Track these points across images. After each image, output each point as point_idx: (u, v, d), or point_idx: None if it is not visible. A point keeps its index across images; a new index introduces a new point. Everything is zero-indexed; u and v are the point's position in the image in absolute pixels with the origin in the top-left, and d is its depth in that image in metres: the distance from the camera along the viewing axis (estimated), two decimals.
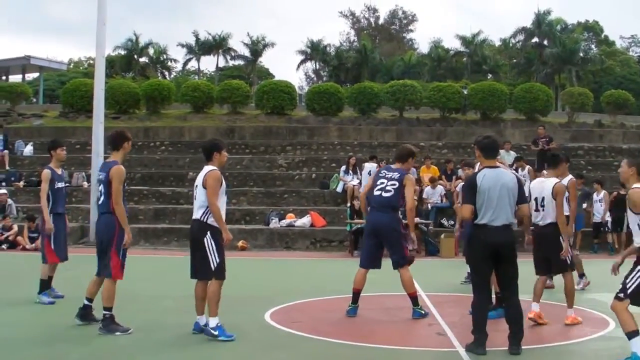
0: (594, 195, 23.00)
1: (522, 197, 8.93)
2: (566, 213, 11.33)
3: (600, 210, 22.86)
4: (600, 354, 8.97)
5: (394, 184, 10.75)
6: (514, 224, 9.06)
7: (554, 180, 10.88)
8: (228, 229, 9.43)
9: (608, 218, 22.89)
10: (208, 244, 9.22)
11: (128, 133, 10.33)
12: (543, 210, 10.74)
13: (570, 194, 11.71)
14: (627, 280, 8.32)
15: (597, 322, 10.81)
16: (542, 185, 10.95)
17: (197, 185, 9.42)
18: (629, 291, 8.24)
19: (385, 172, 11.08)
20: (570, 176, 12.28)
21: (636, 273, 8.29)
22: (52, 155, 12.31)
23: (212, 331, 9.13)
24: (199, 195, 9.34)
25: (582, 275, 14.57)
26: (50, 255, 11.97)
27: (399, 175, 10.84)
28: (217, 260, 9.20)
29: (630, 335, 7.98)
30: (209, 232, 9.25)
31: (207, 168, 9.44)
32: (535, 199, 10.81)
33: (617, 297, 8.35)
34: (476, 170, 9.88)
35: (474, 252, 8.91)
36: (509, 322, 8.71)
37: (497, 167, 8.91)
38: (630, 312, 8.14)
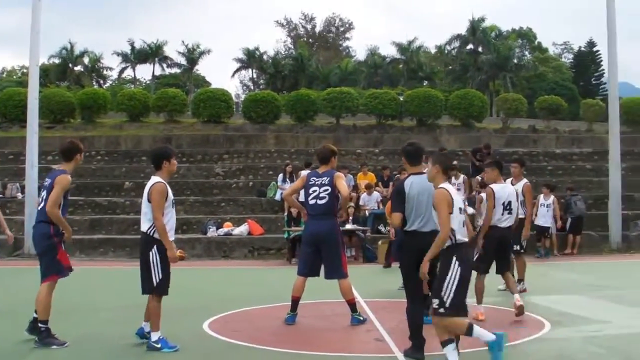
0: (541, 198, 23.19)
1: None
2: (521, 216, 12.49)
3: (545, 214, 23.06)
4: (534, 356, 9.09)
5: (327, 189, 10.80)
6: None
7: (514, 185, 11.46)
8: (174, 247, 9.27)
9: (549, 224, 23.12)
10: (153, 259, 9.07)
11: (81, 145, 10.16)
12: (509, 213, 11.46)
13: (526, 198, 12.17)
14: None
15: (532, 324, 10.98)
16: (506, 190, 11.64)
17: (144, 197, 9.22)
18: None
19: (314, 178, 11.06)
20: (524, 180, 12.69)
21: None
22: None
23: (155, 344, 9.05)
24: (145, 208, 9.18)
25: (520, 281, 14.77)
26: None
27: (328, 178, 10.87)
28: (160, 276, 9.07)
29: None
30: (155, 247, 9.09)
31: (153, 180, 9.24)
32: (503, 204, 11.41)
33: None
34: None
35: (405, 258, 8.89)
36: None
37: (423, 174, 8.78)
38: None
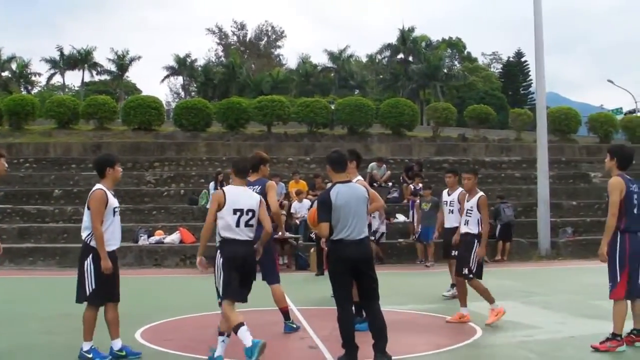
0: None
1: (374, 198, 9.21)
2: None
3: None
4: None
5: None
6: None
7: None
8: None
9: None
10: (87, 268, 8.87)
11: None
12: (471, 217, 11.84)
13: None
14: None
15: (465, 330, 11.10)
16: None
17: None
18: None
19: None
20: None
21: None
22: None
23: (86, 354, 8.89)
24: (84, 216, 9.03)
25: (453, 285, 14.93)
26: None
27: (260, 187, 10.76)
28: (93, 286, 8.87)
29: None
30: (91, 256, 8.90)
31: (95, 187, 9.08)
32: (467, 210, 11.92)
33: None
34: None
35: (333, 267, 8.82)
36: (372, 330, 8.67)
37: (348, 182, 8.88)
38: None
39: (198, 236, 24.15)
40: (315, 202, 9.35)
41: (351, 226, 8.54)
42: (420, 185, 25.84)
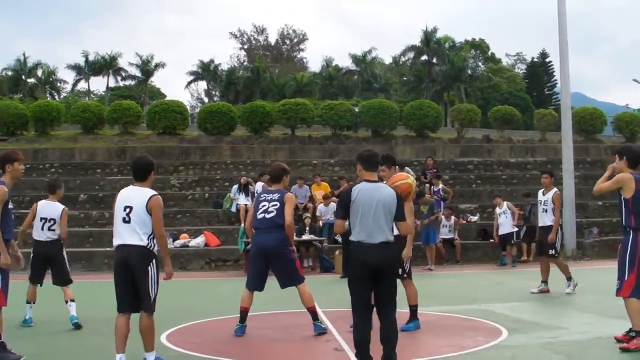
0: (497, 208, 23.50)
1: (398, 214, 8.30)
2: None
3: (505, 222, 23.28)
4: None
5: (276, 205, 10.83)
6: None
7: (545, 195, 14.51)
8: None
9: (515, 229, 23.35)
10: (152, 274, 8.68)
11: (16, 154, 9.89)
12: None
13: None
14: None
15: (489, 332, 11.03)
16: None
17: (129, 207, 8.63)
18: None
19: (265, 195, 11.19)
20: (554, 189, 13.45)
21: None
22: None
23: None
24: (142, 220, 8.64)
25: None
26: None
27: (279, 195, 10.94)
28: (156, 292, 8.76)
29: None
30: (154, 261, 8.72)
31: (146, 190, 8.83)
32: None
33: None
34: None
35: (351, 271, 8.44)
36: (382, 341, 8.09)
37: (376, 182, 8.40)
38: None
39: (223, 239, 24.32)
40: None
41: (371, 228, 8.05)
42: (442, 186, 25.76)
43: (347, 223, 8.34)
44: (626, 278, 9.37)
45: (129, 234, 8.56)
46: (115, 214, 8.74)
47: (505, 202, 23.62)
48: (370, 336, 8.10)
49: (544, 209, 15.96)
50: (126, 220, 8.58)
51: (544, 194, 16.05)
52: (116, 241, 8.68)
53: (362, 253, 8.06)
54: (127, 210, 8.59)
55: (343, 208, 8.30)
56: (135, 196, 8.70)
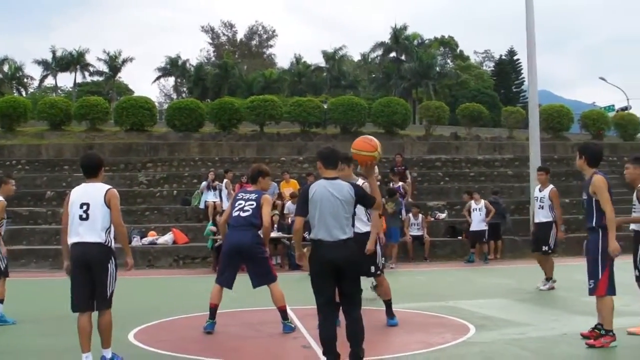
0: (472, 203, 23.60)
1: (366, 202, 8.43)
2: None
3: (478, 219, 23.40)
4: None
5: (252, 204, 10.87)
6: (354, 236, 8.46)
7: (542, 191, 14.41)
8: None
9: (486, 227, 23.45)
10: (111, 271, 8.68)
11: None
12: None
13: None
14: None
15: (457, 328, 11.08)
16: None
17: (86, 204, 8.60)
18: None
19: (243, 194, 11.22)
20: (551, 186, 13.62)
21: None
22: None
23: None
24: (106, 215, 8.68)
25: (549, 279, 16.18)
26: None
27: (256, 195, 10.99)
28: (113, 288, 8.76)
29: None
30: (112, 257, 8.75)
31: (100, 184, 8.86)
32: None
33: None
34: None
35: (313, 270, 8.25)
36: (349, 338, 8.07)
37: (335, 179, 8.25)
38: None
39: (191, 237, 24.27)
40: None
41: (330, 225, 8.04)
42: (401, 184, 25.78)
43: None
44: (600, 277, 9.43)
45: (87, 231, 8.53)
46: (70, 212, 8.67)
47: (482, 200, 23.74)
48: (336, 333, 8.10)
49: (540, 205, 16.19)
50: (83, 218, 8.55)
51: (540, 191, 16.24)
52: (72, 239, 8.62)
53: (322, 251, 8.07)
54: (85, 207, 8.57)
55: (302, 205, 8.31)
56: (91, 192, 8.69)
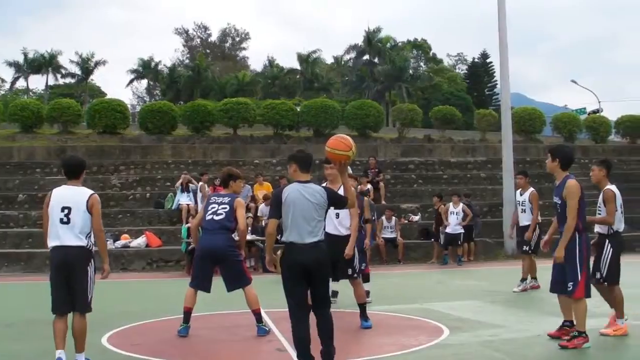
0: (450, 206, 23.63)
1: (339, 203, 8.72)
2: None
3: (454, 222, 23.43)
4: None
5: (225, 208, 10.87)
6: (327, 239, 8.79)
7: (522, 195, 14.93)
8: None
9: (462, 230, 23.49)
10: (90, 275, 8.67)
11: None
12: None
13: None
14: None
15: (431, 331, 11.13)
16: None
17: (67, 208, 8.61)
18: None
19: (216, 197, 11.24)
20: (531, 189, 13.84)
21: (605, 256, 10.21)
22: None
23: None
24: (84, 220, 8.64)
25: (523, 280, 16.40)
26: None
27: (229, 199, 11.01)
28: (92, 293, 8.75)
29: None
30: (92, 261, 8.71)
31: (82, 189, 8.85)
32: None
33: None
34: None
35: (284, 272, 8.37)
36: (321, 336, 8.23)
37: (308, 182, 8.42)
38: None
39: (165, 240, 24.21)
40: None
41: (302, 228, 8.18)
42: (369, 186, 25.79)
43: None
44: (579, 279, 9.53)
45: (68, 235, 8.53)
46: (50, 215, 8.68)
47: (461, 203, 23.80)
48: (309, 335, 8.19)
49: (522, 209, 16.41)
50: (64, 222, 8.55)
51: (521, 194, 16.43)
52: (52, 242, 8.64)
53: (294, 253, 8.20)
54: (66, 211, 8.57)
55: (274, 208, 8.43)
56: (73, 196, 8.69)
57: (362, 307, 11.56)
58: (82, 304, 8.58)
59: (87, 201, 8.61)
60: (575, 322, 9.74)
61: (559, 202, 9.73)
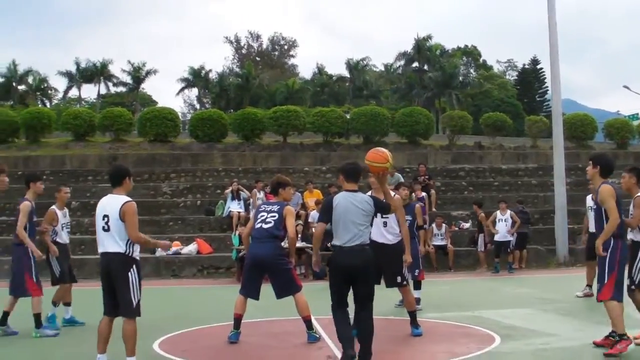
0: (498, 214, 23.43)
1: (384, 209, 9.44)
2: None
3: (503, 229, 23.23)
4: None
5: (274, 216, 10.89)
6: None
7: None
8: None
9: (512, 238, 23.29)
10: (132, 279, 8.76)
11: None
12: None
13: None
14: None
15: (482, 338, 11.04)
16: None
17: (107, 216, 8.83)
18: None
19: (265, 206, 11.28)
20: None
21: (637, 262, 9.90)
22: (29, 188, 12.48)
23: None
24: (120, 228, 8.77)
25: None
26: (35, 289, 12.03)
27: (278, 207, 11.03)
28: (139, 297, 8.83)
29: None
30: (134, 266, 8.83)
31: (120, 197, 8.97)
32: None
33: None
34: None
35: (331, 273, 9.10)
36: (359, 339, 8.83)
37: (356, 191, 9.08)
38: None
39: (215, 247, 24.33)
40: None
41: (351, 233, 8.81)
42: (424, 194, 25.44)
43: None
44: (606, 281, 9.55)
45: (109, 241, 8.79)
46: (96, 223, 8.99)
47: (509, 210, 23.58)
48: (351, 331, 8.87)
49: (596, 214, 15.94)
50: (105, 229, 8.81)
51: (592, 200, 16.04)
52: (99, 249, 8.95)
53: (343, 256, 8.85)
54: (106, 219, 8.83)
55: (325, 213, 9.14)
56: (110, 204, 8.90)
57: (412, 314, 11.54)
58: (125, 309, 8.75)
59: (120, 209, 8.76)
60: (614, 326, 9.66)
61: (594, 206, 9.97)
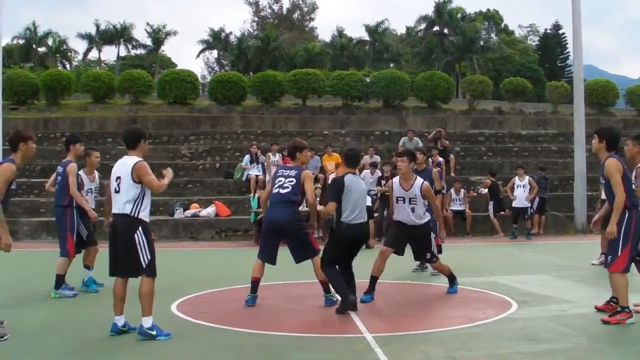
0: (516, 180, 23.37)
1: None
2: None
3: (522, 195, 23.16)
4: (501, 335, 9.10)
5: (292, 181, 10.86)
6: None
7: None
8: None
9: (529, 204, 23.24)
10: (139, 240, 8.76)
11: (28, 132, 9.66)
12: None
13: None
14: None
15: (499, 304, 11.08)
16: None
17: (119, 177, 8.88)
18: None
19: (283, 170, 11.26)
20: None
21: None
22: (69, 150, 12.73)
23: (149, 331, 8.77)
24: (129, 189, 8.81)
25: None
26: (72, 249, 12.21)
27: (295, 172, 10.98)
28: (149, 257, 8.81)
29: None
30: (140, 228, 8.81)
31: (132, 158, 8.97)
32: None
33: None
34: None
35: (338, 241, 10.71)
36: (349, 284, 10.60)
37: (356, 175, 10.93)
38: None
39: (233, 209, 24.40)
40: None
41: (358, 211, 10.56)
42: (441, 159, 25.34)
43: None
44: (619, 254, 9.54)
45: (118, 203, 8.90)
46: (110, 185, 9.15)
47: (527, 176, 23.47)
48: (340, 278, 10.56)
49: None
50: (117, 191, 8.92)
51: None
52: (113, 210, 9.06)
53: (351, 229, 10.54)
54: (118, 181, 8.93)
55: (336, 193, 10.51)
56: (122, 167, 8.97)
57: (449, 278, 12.36)
58: (133, 268, 8.81)
59: (132, 171, 8.80)
60: (619, 298, 9.69)
61: (603, 181, 9.99)
